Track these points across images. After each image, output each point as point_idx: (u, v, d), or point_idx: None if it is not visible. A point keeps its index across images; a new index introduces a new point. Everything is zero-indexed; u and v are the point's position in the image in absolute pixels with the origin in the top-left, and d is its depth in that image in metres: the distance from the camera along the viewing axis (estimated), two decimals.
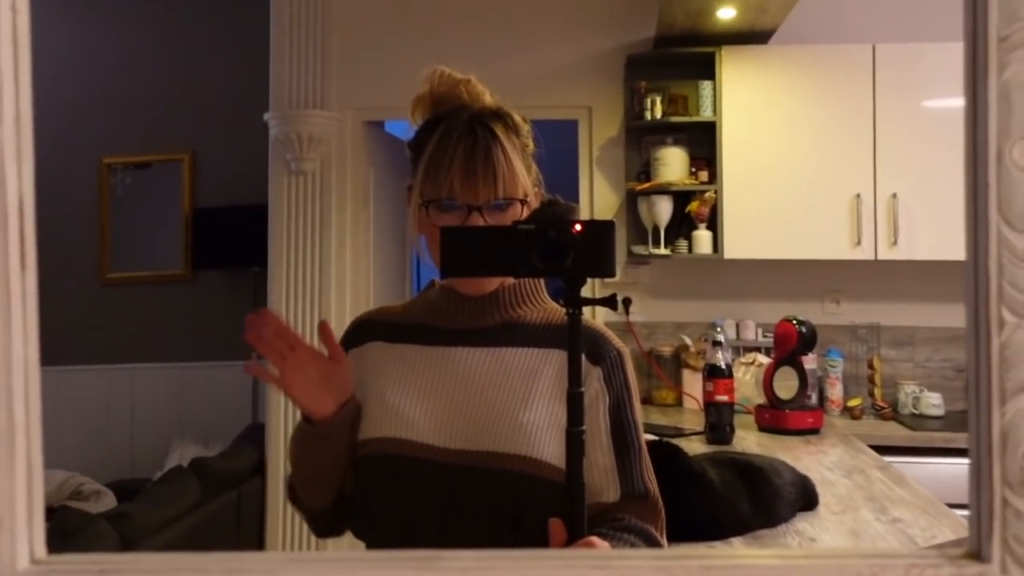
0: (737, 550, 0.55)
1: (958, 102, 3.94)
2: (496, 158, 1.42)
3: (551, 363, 1.45)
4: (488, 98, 1.54)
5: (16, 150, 0.51)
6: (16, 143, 0.51)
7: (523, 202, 1.46)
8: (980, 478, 0.53)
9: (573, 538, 1.16)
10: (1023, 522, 0.52)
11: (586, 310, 1.18)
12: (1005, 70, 0.52)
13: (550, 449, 1.37)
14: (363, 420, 1.47)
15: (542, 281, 1.55)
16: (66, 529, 3.20)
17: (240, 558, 0.54)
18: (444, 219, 1.42)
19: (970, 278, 0.54)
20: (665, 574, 0.52)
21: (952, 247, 3.97)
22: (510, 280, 1.52)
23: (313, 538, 4.46)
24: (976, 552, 0.53)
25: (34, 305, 0.53)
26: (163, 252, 6.00)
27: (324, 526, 1.54)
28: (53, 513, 3.54)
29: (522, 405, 1.41)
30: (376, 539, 1.47)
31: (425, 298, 1.57)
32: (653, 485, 1.45)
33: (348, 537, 1.58)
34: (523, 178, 1.46)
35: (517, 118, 1.52)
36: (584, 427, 1.15)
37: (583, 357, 1.43)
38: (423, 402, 1.44)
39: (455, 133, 1.44)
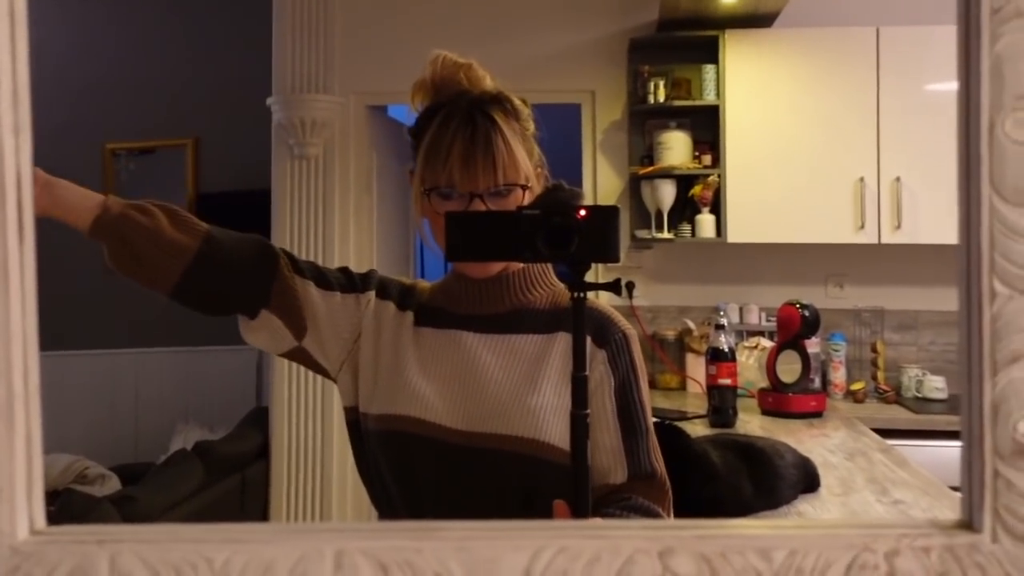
0: (731, 520, 0.56)
1: None
2: (495, 145, 1.43)
3: (559, 347, 1.46)
4: (489, 83, 1.54)
5: (13, 122, 0.51)
6: (14, 116, 0.51)
7: (524, 187, 1.46)
8: (972, 449, 0.53)
9: (577, 519, 1.17)
10: (1014, 492, 0.52)
11: (591, 292, 1.19)
12: (997, 42, 0.52)
13: (558, 432, 1.38)
14: (380, 394, 1.48)
15: (549, 265, 1.56)
16: (71, 512, 3.22)
17: (238, 528, 0.54)
18: (445, 206, 1.43)
19: (962, 250, 0.54)
20: (659, 543, 0.52)
21: (955, 231, 3.96)
22: (518, 264, 1.52)
23: (318, 520, 4.49)
24: (968, 522, 0.53)
25: (32, 277, 0.53)
26: None
27: (202, 289, 1.46)
28: (58, 496, 3.55)
29: (530, 389, 1.43)
30: (389, 513, 1.50)
31: (445, 282, 1.58)
32: (660, 465, 1.47)
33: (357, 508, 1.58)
34: (524, 163, 1.47)
35: (517, 102, 1.52)
36: (589, 410, 1.16)
37: (589, 340, 1.45)
38: (438, 385, 1.46)
39: (454, 120, 1.44)
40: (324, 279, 1.53)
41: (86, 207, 1.41)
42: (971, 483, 0.53)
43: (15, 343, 0.52)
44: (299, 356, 1.54)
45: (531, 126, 1.53)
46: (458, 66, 1.54)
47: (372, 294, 1.55)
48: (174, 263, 1.41)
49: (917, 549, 0.52)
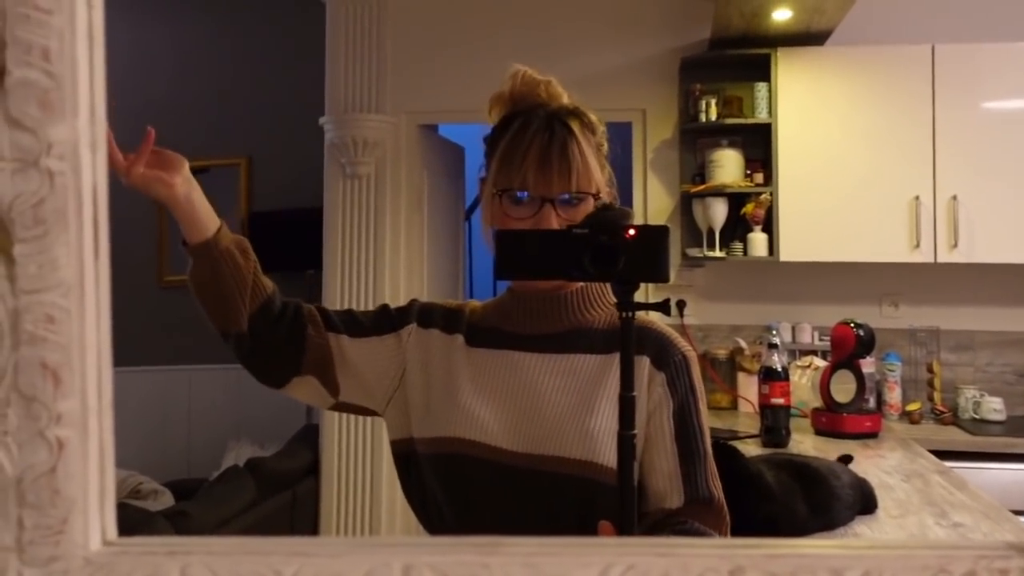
0: (801, 540, 0.55)
1: (1019, 103, 3.91)
2: (571, 152, 1.44)
3: (616, 368, 1.45)
4: (566, 99, 1.56)
5: (91, 139, 0.52)
6: (91, 132, 0.52)
7: (596, 197, 1.47)
8: None
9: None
10: None
11: (651, 313, 1.18)
12: None
13: (615, 454, 1.36)
14: (433, 418, 1.48)
15: (608, 285, 1.55)
16: (126, 526, 3.24)
17: (306, 542, 0.54)
18: (517, 211, 1.44)
19: None
20: (729, 562, 0.52)
21: (1013, 250, 3.91)
22: (577, 283, 1.52)
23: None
24: None
25: (107, 293, 0.54)
26: None
27: (249, 350, 1.49)
28: None
29: (588, 411, 1.41)
30: (442, 535, 1.48)
31: (500, 301, 1.58)
32: (718, 491, 1.44)
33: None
34: (597, 175, 1.47)
35: (593, 117, 1.54)
36: (636, 431, 1.15)
37: (648, 362, 1.44)
38: (493, 406, 1.45)
39: (532, 126, 1.46)
40: (359, 327, 1.54)
41: (204, 224, 1.45)
42: None
43: (90, 357, 0.53)
44: (343, 408, 1.57)
45: (605, 144, 1.54)
46: (537, 81, 1.56)
47: (413, 326, 1.55)
48: (243, 311, 1.47)
49: (994, 571, 0.51)
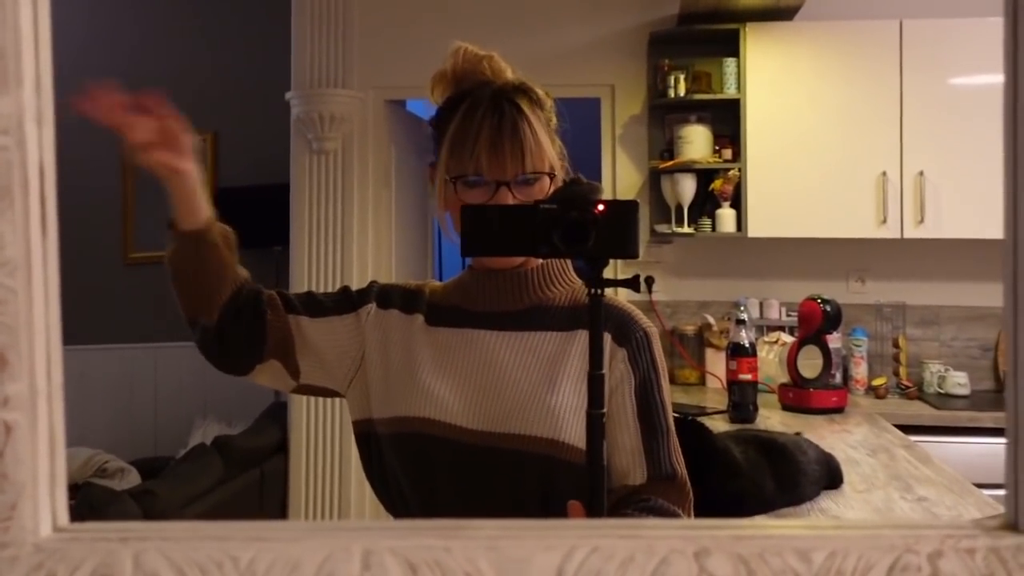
0: (767, 520, 0.55)
1: (986, 79, 3.92)
2: (523, 132, 1.42)
3: (579, 345, 1.44)
4: (510, 74, 1.53)
5: (37, 112, 0.50)
6: (37, 105, 0.51)
7: (551, 176, 1.45)
8: (1017, 447, 0.52)
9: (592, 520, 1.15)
10: None
11: (610, 289, 1.17)
12: None
13: (577, 432, 1.36)
14: (392, 397, 1.47)
15: (568, 261, 1.54)
16: (91, 505, 3.23)
17: (264, 527, 0.53)
18: (471, 195, 1.42)
19: (1009, 239, 0.52)
20: (695, 544, 0.51)
21: (979, 225, 3.93)
22: (537, 260, 1.50)
23: (337, 516, 4.49)
24: (1013, 523, 0.52)
25: (55, 271, 0.53)
26: None
27: (213, 339, 1.47)
28: (78, 490, 3.57)
29: (549, 388, 1.41)
30: (404, 517, 1.48)
31: (460, 280, 1.56)
32: (681, 467, 1.44)
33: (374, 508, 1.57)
34: (549, 152, 1.45)
35: (540, 92, 1.50)
36: (605, 410, 1.14)
37: (609, 338, 1.43)
38: (453, 384, 1.44)
39: (480, 108, 1.43)
40: (318, 307, 1.53)
41: (200, 211, 1.41)
42: (1017, 483, 0.52)
43: (38, 338, 0.51)
44: (305, 391, 1.56)
45: (554, 118, 1.51)
46: (479, 57, 1.52)
47: (372, 306, 1.54)
48: (218, 304, 1.45)
49: (961, 551, 0.50)
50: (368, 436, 1.51)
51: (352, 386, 1.52)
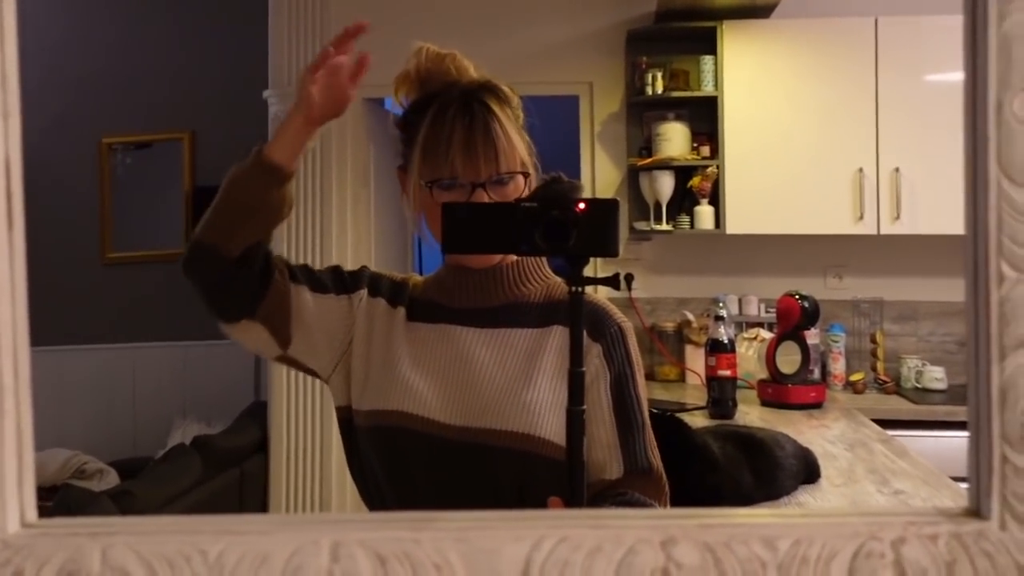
0: (734, 510, 0.55)
1: (960, 76, 3.92)
2: (495, 133, 1.41)
3: (554, 340, 1.44)
4: (473, 72, 1.52)
5: (2, 106, 0.50)
6: (2, 99, 0.50)
7: (525, 175, 1.45)
8: (979, 435, 0.52)
9: None
10: (1022, 479, 0.51)
11: (589, 287, 1.17)
12: (1005, 20, 0.51)
13: (552, 427, 1.36)
14: (371, 390, 1.46)
15: (543, 258, 1.54)
16: (69, 507, 3.21)
17: (232, 520, 0.53)
18: (446, 197, 1.41)
19: (969, 233, 0.53)
20: (662, 533, 0.52)
21: (955, 221, 3.95)
22: (512, 257, 1.51)
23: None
24: (975, 509, 0.52)
25: (22, 266, 0.52)
26: (164, 231, 5.98)
27: (221, 275, 1.42)
28: (56, 492, 3.55)
29: (525, 384, 1.41)
30: (380, 510, 1.48)
31: (437, 276, 1.56)
32: (657, 460, 1.45)
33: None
34: (521, 151, 1.46)
35: (507, 89, 1.50)
36: (585, 405, 1.14)
37: (584, 333, 1.43)
38: (430, 379, 1.44)
39: (450, 110, 1.43)
40: (318, 282, 1.51)
41: (296, 154, 1.42)
42: (978, 470, 0.52)
43: (4, 334, 0.51)
44: (286, 361, 1.52)
45: (521, 114, 1.52)
46: (442, 56, 1.52)
47: (364, 292, 1.53)
48: (245, 244, 1.40)
49: (924, 537, 0.51)
50: (350, 425, 1.51)
51: (336, 372, 1.51)
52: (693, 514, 0.53)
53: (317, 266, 1.55)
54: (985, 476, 0.52)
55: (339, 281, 1.53)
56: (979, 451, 0.52)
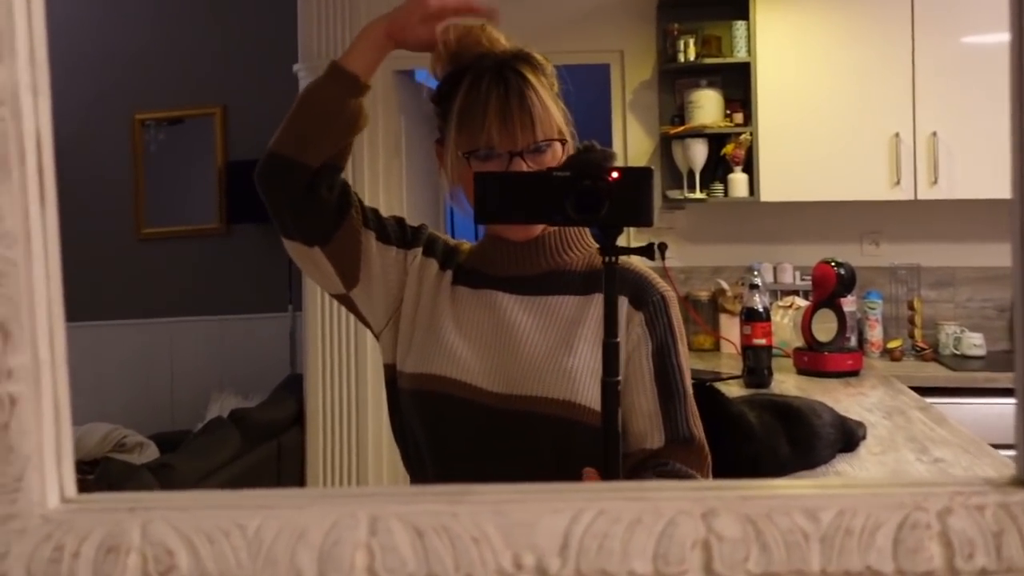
0: (775, 481, 0.55)
1: (998, 38, 3.88)
2: (531, 101, 1.41)
3: (596, 308, 1.44)
4: (504, 40, 1.52)
5: (32, 83, 0.50)
6: (31, 76, 0.50)
7: (562, 142, 1.44)
8: None
9: None
10: None
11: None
12: None
13: (593, 394, 1.36)
14: (415, 353, 1.47)
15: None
16: (110, 480, 3.25)
17: (270, 495, 0.53)
18: (484, 167, 1.41)
19: (1016, 214, 0.52)
20: (702, 505, 0.51)
21: (993, 185, 3.89)
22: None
23: (355, 487, 4.51)
24: (1022, 479, 0.51)
25: (55, 243, 0.52)
26: (198, 206, 6.03)
27: (305, 187, 1.42)
28: (97, 465, 3.59)
29: (566, 351, 1.41)
30: (419, 473, 1.49)
31: (480, 245, 1.56)
32: (699, 430, 1.44)
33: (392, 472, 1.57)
34: (558, 118, 1.45)
35: (540, 58, 1.49)
36: (620, 377, 1.14)
37: (626, 302, 1.43)
38: (472, 345, 1.44)
39: (484, 81, 1.42)
40: (384, 232, 1.51)
41: (372, 67, 1.45)
42: None
43: (40, 310, 0.51)
44: (346, 302, 1.53)
45: (556, 82, 1.51)
46: (470, 29, 1.51)
47: (419, 250, 1.53)
48: (325, 153, 1.42)
49: (971, 507, 0.50)
50: (393, 385, 1.52)
51: (388, 328, 1.52)
52: (734, 485, 0.52)
53: None
54: None
55: (402, 235, 1.53)
56: None
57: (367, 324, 1.55)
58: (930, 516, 0.50)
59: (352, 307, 1.53)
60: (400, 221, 1.56)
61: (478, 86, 1.42)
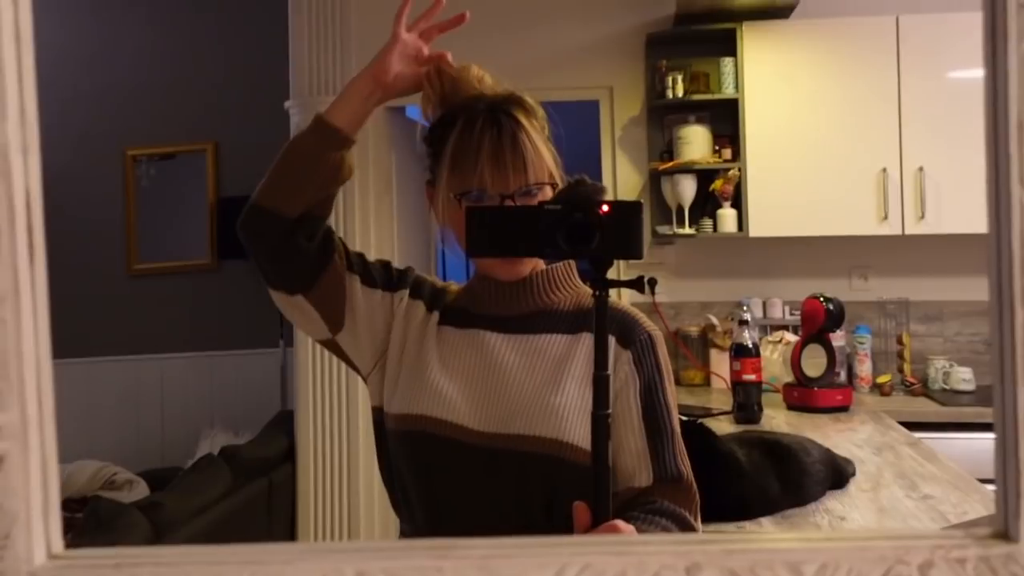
0: (759, 533, 0.54)
1: (983, 73, 3.89)
2: (523, 145, 1.43)
3: (583, 347, 1.45)
4: (489, 79, 1.54)
5: (22, 142, 0.51)
6: (21, 136, 0.51)
7: (553, 186, 1.46)
8: (1006, 455, 0.52)
9: (597, 522, 1.15)
10: None
11: (613, 292, 1.17)
12: None
13: (581, 433, 1.37)
14: (401, 394, 1.47)
15: (574, 266, 1.55)
16: (99, 519, 3.23)
17: (257, 550, 0.53)
18: None
19: (993, 252, 0.52)
20: (686, 559, 0.51)
21: (980, 220, 3.85)
22: (541, 265, 1.51)
23: (346, 524, 4.50)
24: (1003, 532, 0.52)
25: (44, 299, 0.53)
26: (189, 242, 6.03)
27: (282, 235, 1.43)
28: (86, 503, 3.57)
29: (554, 389, 1.42)
30: (408, 516, 1.49)
31: (470, 284, 1.57)
32: (687, 468, 1.44)
33: (383, 522, 1.57)
34: (549, 161, 1.47)
35: (531, 102, 1.51)
36: (610, 411, 1.14)
37: (614, 341, 1.43)
38: (459, 385, 1.45)
39: (477, 123, 1.44)
40: (369, 275, 1.52)
41: (358, 121, 1.48)
42: (1007, 491, 0.52)
43: (28, 367, 0.52)
44: (333, 348, 1.54)
45: (547, 125, 1.52)
46: (458, 71, 1.53)
47: (406, 292, 1.54)
48: (304, 204, 1.43)
49: (952, 560, 0.50)
50: (380, 427, 1.52)
51: (375, 370, 1.53)
52: (717, 539, 0.52)
53: None
54: (1013, 498, 0.51)
55: (387, 278, 1.54)
56: (1007, 473, 0.51)
57: (355, 368, 1.55)
58: (911, 569, 0.50)
59: (339, 352, 1.54)
60: (386, 264, 1.57)
61: (471, 128, 1.43)
